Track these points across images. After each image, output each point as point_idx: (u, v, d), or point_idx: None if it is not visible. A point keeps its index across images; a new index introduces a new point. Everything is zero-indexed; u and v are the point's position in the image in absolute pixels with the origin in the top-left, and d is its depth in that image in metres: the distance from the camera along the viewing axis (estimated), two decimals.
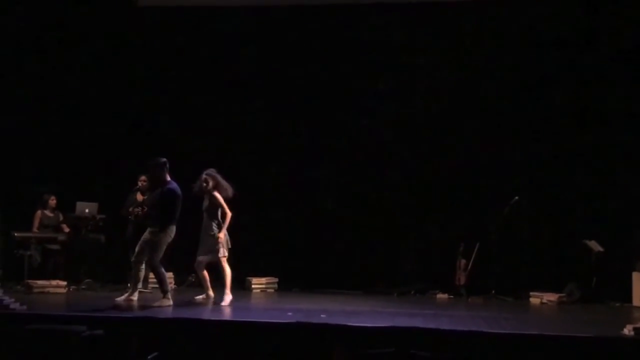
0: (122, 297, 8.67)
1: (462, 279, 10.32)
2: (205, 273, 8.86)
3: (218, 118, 11.26)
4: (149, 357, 6.22)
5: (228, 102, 11.26)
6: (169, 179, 8.58)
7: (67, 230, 10.50)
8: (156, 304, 8.27)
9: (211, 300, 8.75)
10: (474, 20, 10.84)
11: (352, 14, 11.09)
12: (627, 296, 9.67)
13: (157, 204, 8.65)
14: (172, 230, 8.51)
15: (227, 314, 8.03)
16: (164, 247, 8.51)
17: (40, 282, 9.51)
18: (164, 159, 8.58)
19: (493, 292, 10.07)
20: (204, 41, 11.27)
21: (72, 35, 11.21)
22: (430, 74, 10.95)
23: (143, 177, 9.98)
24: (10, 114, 11.01)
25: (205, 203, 8.88)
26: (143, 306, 8.23)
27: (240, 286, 10.62)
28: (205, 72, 11.26)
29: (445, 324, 7.33)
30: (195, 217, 8.97)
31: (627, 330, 6.86)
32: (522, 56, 10.72)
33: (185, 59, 11.32)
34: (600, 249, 9.99)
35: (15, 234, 10.06)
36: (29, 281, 9.54)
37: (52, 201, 10.52)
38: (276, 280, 10.72)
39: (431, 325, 7.22)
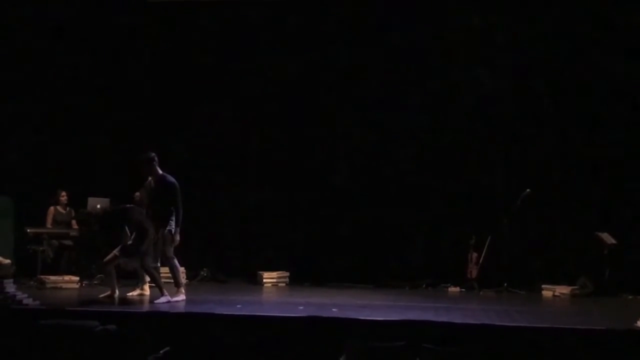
0: (134, 292, 8.71)
1: (473, 272, 10.29)
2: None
3: (227, 110, 11.26)
4: (161, 351, 6.24)
5: (235, 96, 11.25)
6: (161, 172, 8.56)
7: (76, 226, 10.54)
8: (173, 298, 8.27)
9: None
10: None
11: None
12: None
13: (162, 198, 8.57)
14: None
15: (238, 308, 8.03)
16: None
17: (53, 278, 9.55)
18: (153, 154, 8.51)
19: (505, 285, 10.05)
20: (212, 36, 11.26)
21: (84, 32, 11.23)
22: (450, 67, 10.90)
23: None
24: (19, 110, 11.05)
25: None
26: (155, 301, 8.24)
27: (252, 281, 10.67)
28: (214, 66, 11.25)
29: (457, 318, 7.31)
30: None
31: None
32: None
33: (195, 54, 11.30)
34: (613, 241, 9.94)
35: (28, 230, 10.11)
36: (42, 277, 9.58)
37: (63, 197, 10.55)
38: (287, 274, 10.73)
39: (443, 318, 7.22)
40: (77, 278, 9.67)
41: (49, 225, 10.43)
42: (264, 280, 10.55)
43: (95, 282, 9.91)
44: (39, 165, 11.01)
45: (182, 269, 9.10)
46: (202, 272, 10.82)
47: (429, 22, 10.84)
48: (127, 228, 8.30)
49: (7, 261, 9.21)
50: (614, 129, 10.41)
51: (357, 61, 11.00)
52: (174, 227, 8.39)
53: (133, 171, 8.92)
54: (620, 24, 10.32)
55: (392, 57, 10.94)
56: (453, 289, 10.25)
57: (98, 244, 9.07)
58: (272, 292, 10.07)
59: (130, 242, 8.25)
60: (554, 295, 9.77)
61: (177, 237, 8.46)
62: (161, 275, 9.50)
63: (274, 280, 10.62)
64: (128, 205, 8.77)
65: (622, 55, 10.36)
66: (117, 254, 8.25)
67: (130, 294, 8.68)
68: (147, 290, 8.75)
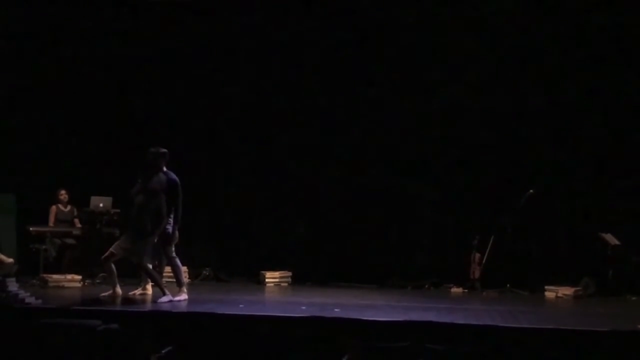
0: (136, 291, 8.71)
1: (476, 272, 10.28)
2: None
3: (229, 113, 11.24)
4: (163, 351, 6.24)
5: (237, 97, 11.24)
6: (165, 169, 8.52)
7: (78, 225, 10.54)
8: (175, 298, 8.25)
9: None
10: None
11: None
12: None
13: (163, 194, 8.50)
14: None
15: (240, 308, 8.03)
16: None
17: (55, 277, 9.56)
18: (165, 150, 8.50)
19: (508, 285, 10.03)
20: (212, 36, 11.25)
21: (83, 31, 11.21)
22: (447, 63, 10.88)
23: None
24: (22, 109, 11.06)
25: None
26: (157, 300, 8.23)
27: (254, 280, 10.66)
28: (216, 66, 11.23)
29: (459, 318, 7.30)
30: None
31: None
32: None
33: (196, 53, 11.29)
34: (617, 242, 9.92)
35: (31, 229, 10.12)
36: (44, 275, 9.59)
37: (62, 196, 10.54)
38: (290, 274, 10.73)
39: (445, 319, 7.20)
40: (79, 277, 9.67)
41: (51, 224, 10.44)
42: (267, 280, 10.54)
43: (98, 281, 9.90)
44: (40, 164, 11.01)
45: (184, 268, 9.11)
46: (204, 272, 10.82)
47: None
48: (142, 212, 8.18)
49: (10, 260, 9.22)
50: (617, 128, 10.38)
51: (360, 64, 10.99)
52: (172, 224, 8.39)
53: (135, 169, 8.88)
54: None
55: (389, 63, 10.94)
56: (456, 290, 10.23)
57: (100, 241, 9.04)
58: (275, 292, 10.06)
59: (134, 229, 8.19)
60: (557, 296, 9.74)
61: (176, 235, 8.47)
62: (163, 274, 9.54)
63: (277, 280, 10.61)
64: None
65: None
66: (113, 251, 8.22)
67: (133, 293, 8.67)
68: (149, 290, 8.75)
